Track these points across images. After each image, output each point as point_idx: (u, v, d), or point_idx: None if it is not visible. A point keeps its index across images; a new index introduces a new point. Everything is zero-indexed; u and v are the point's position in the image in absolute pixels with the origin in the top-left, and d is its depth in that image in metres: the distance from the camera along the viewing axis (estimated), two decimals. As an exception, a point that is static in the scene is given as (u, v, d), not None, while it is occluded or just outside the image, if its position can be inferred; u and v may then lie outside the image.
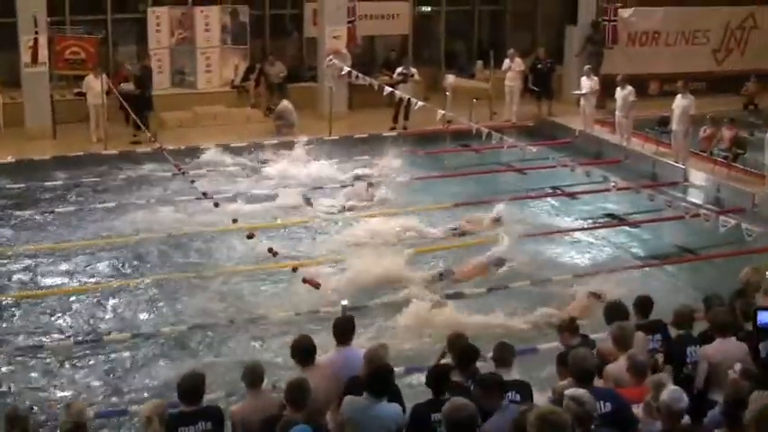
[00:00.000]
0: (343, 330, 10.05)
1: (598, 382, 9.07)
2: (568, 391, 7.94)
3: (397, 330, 14.63)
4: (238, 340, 14.60)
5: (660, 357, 10.38)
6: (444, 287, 16.50)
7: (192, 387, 8.70)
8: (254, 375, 9.08)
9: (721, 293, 11.85)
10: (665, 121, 24.87)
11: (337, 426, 8.96)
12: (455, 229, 19.09)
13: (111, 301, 15.91)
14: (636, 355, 9.36)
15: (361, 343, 11.29)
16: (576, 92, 27.11)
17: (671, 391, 8.15)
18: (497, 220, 19.42)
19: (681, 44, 31.10)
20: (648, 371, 9.32)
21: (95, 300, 15.96)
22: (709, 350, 10.16)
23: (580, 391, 7.86)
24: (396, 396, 8.99)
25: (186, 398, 8.64)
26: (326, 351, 9.99)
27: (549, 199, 21.74)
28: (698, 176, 22.57)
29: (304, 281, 15.28)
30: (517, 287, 16.43)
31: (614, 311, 10.75)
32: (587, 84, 26.23)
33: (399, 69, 27.44)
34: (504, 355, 9.50)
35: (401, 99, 25.51)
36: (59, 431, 8.12)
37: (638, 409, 8.49)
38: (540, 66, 28.97)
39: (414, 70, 27.50)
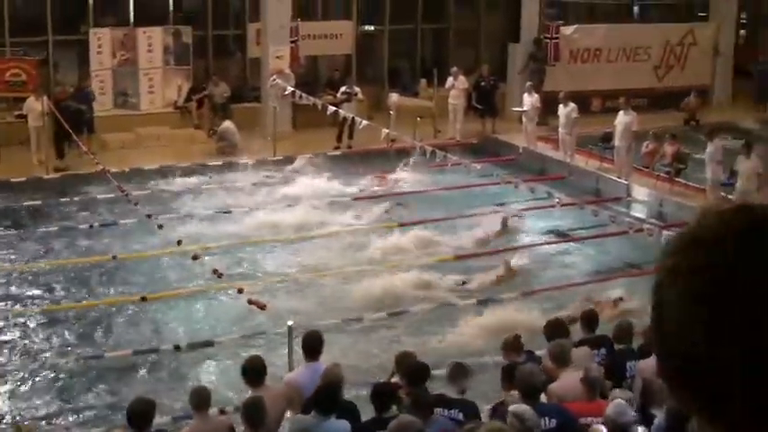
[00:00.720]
0: (310, 346, 10.07)
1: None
2: (512, 408, 7.98)
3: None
4: (184, 363, 14.49)
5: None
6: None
7: (141, 412, 8.63)
8: (200, 399, 9.04)
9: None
10: (607, 138, 25.07)
11: None
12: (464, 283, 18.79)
13: (53, 325, 15.74)
14: (591, 370, 9.40)
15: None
16: (517, 109, 27.28)
17: (615, 405, 8.19)
18: (505, 227, 19.99)
19: (622, 61, 31.37)
20: (600, 386, 9.36)
21: (36, 323, 15.78)
22: (642, 365, 10.24)
23: (522, 407, 7.89)
24: (348, 413, 8.99)
25: (136, 423, 8.57)
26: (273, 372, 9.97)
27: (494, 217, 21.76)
28: (641, 191, 22.78)
29: (250, 302, 15.23)
30: (462, 305, 16.47)
31: (554, 329, 10.81)
32: (529, 101, 26.40)
33: (343, 89, 27.43)
34: (456, 374, 9.51)
35: (345, 118, 25.47)
36: None
37: (597, 426, 8.49)
38: (483, 83, 29.08)
39: (357, 89, 27.52)
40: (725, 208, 1.63)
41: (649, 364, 10.20)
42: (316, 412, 8.64)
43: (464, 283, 17.57)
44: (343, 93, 27.26)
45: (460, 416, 9.03)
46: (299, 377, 9.91)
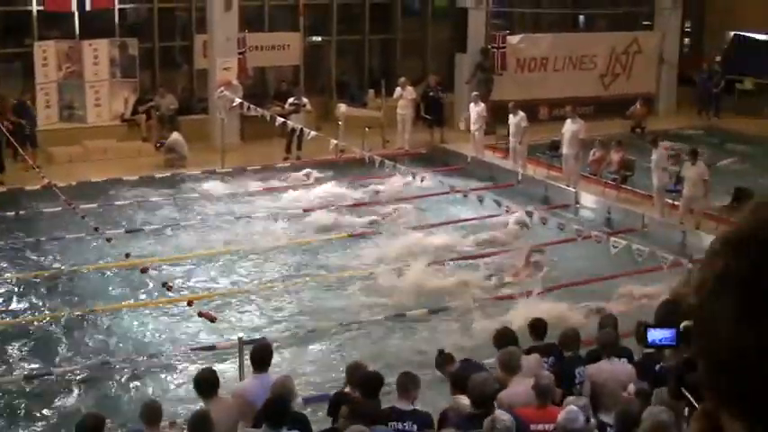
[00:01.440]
0: (260, 358, 10.03)
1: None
2: (498, 413, 8.03)
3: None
4: (134, 376, 14.39)
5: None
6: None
7: (92, 427, 8.54)
8: (151, 413, 8.96)
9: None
10: (555, 146, 25.24)
11: None
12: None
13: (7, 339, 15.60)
14: (542, 377, 9.44)
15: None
16: (462, 122, 27.41)
17: (567, 412, 8.23)
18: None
19: (569, 69, 31.61)
20: (552, 393, 9.40)
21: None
22: (592, 370, 10.31)
23: (506, 415, 7.95)
24: (299, 424, 8.97)
25: None
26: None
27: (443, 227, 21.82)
28: (589, 199, 22.94)
29: (200, 314, 15.14)
30: (417, 314, 16.50)
31: (503, 338, 10.87)
32: (475, 110, 26.50)
33: (291, 100, 27.37)
34: (406, 383, 9.51)
35: (293, 129, 25.43)
36: None
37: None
38: (431, 93, 29.17)
39: (305, 100, 27.47)
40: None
41: (600, 368, 10.28)
42: (266, 425, 8.61)
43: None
44: (291, 104, 27.19)
45: (414, 428, 9.03)
46: (248, 388, 9.87)
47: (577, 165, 23.94)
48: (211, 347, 14.83)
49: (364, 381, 9.63)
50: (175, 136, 26.06)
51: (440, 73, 30.73)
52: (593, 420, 8.98)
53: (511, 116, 25.16)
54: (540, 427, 8.90)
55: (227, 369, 13.30)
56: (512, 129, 25.23)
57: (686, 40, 35.62)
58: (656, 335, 9.70)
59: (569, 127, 23.92)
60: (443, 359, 10.68)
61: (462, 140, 27.92)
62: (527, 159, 25.47)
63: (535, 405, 9.21)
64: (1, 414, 13.33)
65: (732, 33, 34.40)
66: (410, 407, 9.29)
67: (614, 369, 10.17)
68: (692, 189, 20.78)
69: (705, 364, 1.57)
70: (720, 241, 1.58)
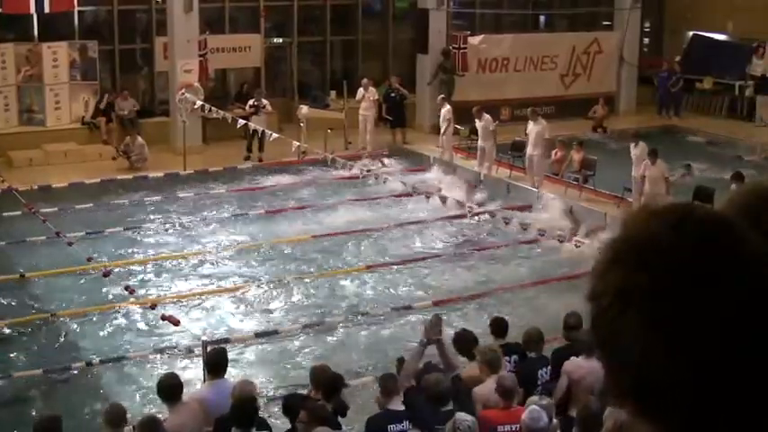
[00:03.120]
0: (216, 363, 10.01)
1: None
2: (459, 416, 8.05)
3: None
4: (97, 380, 14.33)
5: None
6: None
7: (49, 429, 8.49)
8: (115, 416, 8.90)
9: (581, 313, 12.05)
10: (518, 146, 25.29)
11: None
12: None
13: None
14: (505, 378, 9.47)
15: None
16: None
17: (530, 411, 8.26)
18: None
19: (530, 70, 31.71)
20: (516, 394, 9.43)
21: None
22: (570, 366, 10.34)
23: (467, 417, 7.97)
24: (266, 426, 8.98)
25: None
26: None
27: (404, 227, 21.83)
28: (551, 199, 23.00)
29: (163, 318, 15.10)
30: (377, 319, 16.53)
31: (464, 340, 10.91)
32: (442, 112, 26.50)
33: (251, 101, 27.31)
34: (388, 385, 9.52)
35: (255, 131, 25.39)
36: None
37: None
38: (393, 95, 29.19)
39: (265, 102, 27.41)
40: (658, 210, 1.60)
41: (578, 364, 10.32)
42: (235, 428, 8.61)
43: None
44: (251, 106, 27.11)
45: (411, 426, 9.05)
46: (206, 396, 9.81)
47: (543, 165, 24.01)
48: (173, 348, 14.83)
49: (325, 383, 9.66)
50: (137, 138, 25.91)
51: (401, 74, 30.73)
52: (555, 420, 9.02)
53: (477, 121, 25.16)
54: (507, 427, 8.94)
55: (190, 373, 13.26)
56: (480, 132, 25.17)
57: (646, 40, 35.83)
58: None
59: (533, 128, 23.97)
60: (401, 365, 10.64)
61: (424, 141, 27.99)
62: (494, 161, 25.45)
63: (500, 406, 9.24)
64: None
65: (691, 33, 34.63)
66: (401, 406, 9.32)
67: (592, 366, 10.22)
68: (654, 187, 20.89)
69: (613, 375, 1.59)
70: (619, 247, 1.59)
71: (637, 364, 1.53)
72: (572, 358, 10.56)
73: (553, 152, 24.53)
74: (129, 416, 9.41)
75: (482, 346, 10.42)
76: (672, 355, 1.50)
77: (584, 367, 10.26)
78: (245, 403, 8.80)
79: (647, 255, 1.54)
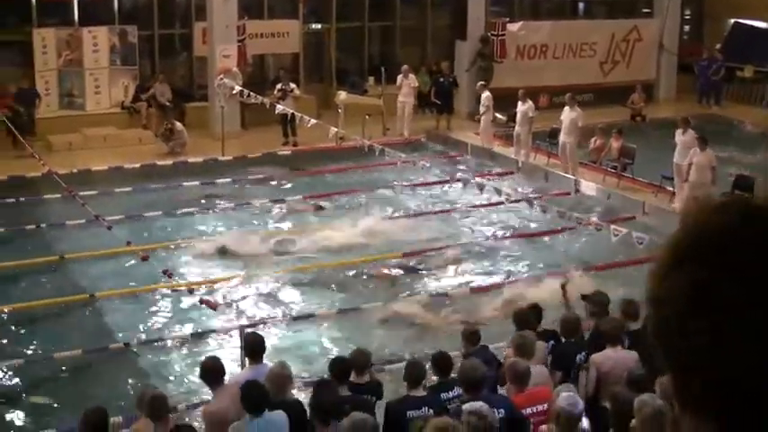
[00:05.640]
0: (254, 347, 10.04)
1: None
2: (466, 406, 8.01)
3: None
4: (135, 361, 14.43)
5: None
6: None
7: (99, 423, 8.53)
8: (158, 405, 8.84)
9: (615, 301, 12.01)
10: (555, 133, 25.20)
11: None
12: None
13: (4, 327, 15.63)
14: (517, 363, 9.46)
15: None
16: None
17: (567, 397, 8.24)
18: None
19: (568, 57, 31.60)
20: (529, 378, 9.42)
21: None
22: (598, 358, 10.32)
23: (477, 404, 7.93)
24: (291, 409, 8.98)
25: None
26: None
27: (442, 214, 21.83)
28: (589, 187, 22.92)
29: (201, 302, 15.17)
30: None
31: (523, 318, 11.04)
32: (483, 98, 26.48)
33: (278, 86, 27.36)
34: (413, 372, 9.54)
35: (285, 115, 25.45)
36: None
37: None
38: (442, 80, 29.28)
39: (293, 85, 27.48)
40: (719, 205, 1.56)
41: (606, 356, 10.29)
42: (247, 413, 8.65)
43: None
44: (278, 90, 27.17)
45: (431, 412, 9.06)
46: (242, 379, 9.83)
47: (576, 152, 23.91)
48: (211, 332, 14.91)
49: (337, 366, 9.79)
50: (176, 124, 26.06)
51: (439, 60, 30.72)
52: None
53: (519, 103, 25.09)
54: (530, 410, 8.96)
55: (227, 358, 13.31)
56: (518, 116, 25.17)
57: (686, 28, 35.58)
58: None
59: (568, 115, 23.85)
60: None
61: (464, 128, 27.97)
62: (530, 148, 25.39)
63: (515, 391, 9.23)
64: (2, 399, 13.37)
65: (732, 20, 34.35)
66: (422, 392, 9.34)
67: (619, 357, 10.19)
68: (700, 175, 20.62)
69: (681, 381, 1.55)
70: (684, 246, 1.56)
71: (715, 368, 1.48)
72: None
73: (592, 140, 24.42)
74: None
75: (516, 333, 10.43)
76: (758, 357, 1.45)
77: (612, 358, 10.24)
78: (248, 387, 8.77)
79: (717, 252, 1.50)
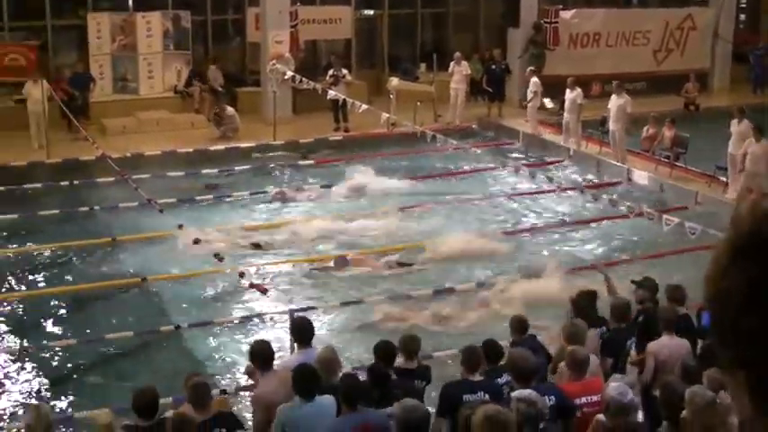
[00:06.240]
0: (303, 332, 10.06)
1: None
2: (515, 393, 8.01)
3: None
4: (185, 344, 14.55)
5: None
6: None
7: (150, 402, 8.60)
8: (200, 396, 8.87)
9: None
10: (606, 122, 25.03)
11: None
12: None
13: (53, 307, 15.82)
14: (577, 351, 9.41)
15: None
16: (548, 102, 27.26)
17: (617, 386, 8.21)
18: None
19: (621, 45, 31.37)
20: (588, 367, 9.39)
21: (36, 306, 15.88)
22: (655, 347, 10.27)
23: (526, 392, 7.92)
24: (334, 390, 8.99)
25: (145, 413, 8.54)
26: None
27: (496, 200, 21.78)
28: (641, 176, 22.76)
29: (251, 286, 15.25)
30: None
31: (583, 302, 11.04)
32: (531, 83, 26.42)
33: (330, 71, 27.44)
34: (471, 358, 9.54)
35: (336, 101, 25.52)
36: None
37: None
38: (494, 67, 29.25)
39: (345, 71, 27.55)
40: None
41: (663, 344, 10.25)
42: (299, 397, 8.67)
43: None
44: (330, 76, 27.25)
45: (486, 397, 9.06)
46: (296, 363, 9.86)
47: (624, 140, 23.76)
48: (260, 316, 14.99)
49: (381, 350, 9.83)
50: (228, 109, 26.23)
51: (491, 47, 30.64)
52: (636, 399, 8.93)
53: (568, 91, 24.98)
54: (585, 399, 8.91)
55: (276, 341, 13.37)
56: (567, 104, 25.08)
57: (742, 16, 35.18)
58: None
59: (615, 102, 23.71)
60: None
61: (515, 116, 27.89)
62: (580, 136, 25.28)
63: (572, 378, 9.18)
64: (56, 380, 13.53)
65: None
66: (479, 377, 9.34)
67: (674, 345, 10.16)
68: (755, 165, 20.40)
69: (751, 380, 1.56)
70: (742, 244, 1.55)
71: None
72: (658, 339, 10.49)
73: (645, 129, 24.24)
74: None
75: (569, 321, 10.42)
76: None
77: (667, 346, 10.19)
78: (301, 371, 8.78)
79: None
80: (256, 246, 18.06)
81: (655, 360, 10.15)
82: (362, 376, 9.33)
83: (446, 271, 17.35)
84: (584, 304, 11.21)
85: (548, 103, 27.57)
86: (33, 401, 11.94)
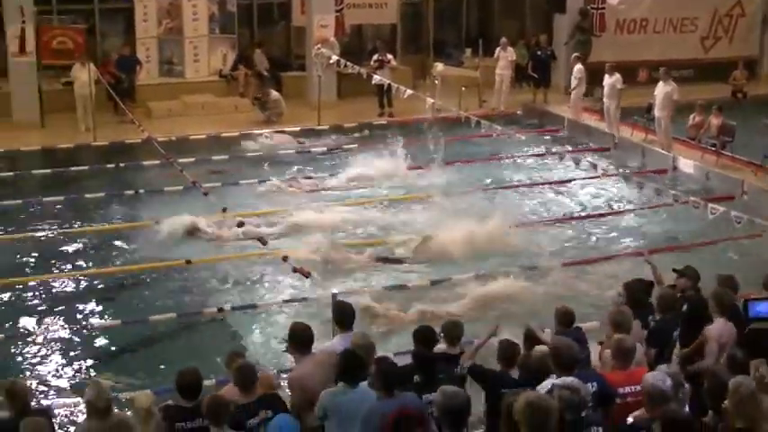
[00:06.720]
0: (344, 316, 10.05)
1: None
2: (558, 381, 7.98)
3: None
4: (227, 328, 14.63)
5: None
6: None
7: (193, 383, 8.64)
8: (248, 380, 8.90)
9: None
10: (652, 109, 24.82)
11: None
12: None
13: (97, 289, 16.00)
14: (624, 340, 9.35)
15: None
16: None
17: (654, 375, 8.15)
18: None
19: (669, 32, 31.09)
20: (634, 356, 9.33)
21: (80, 288, 16.05)
22: (715, 332, 10.20)
23: (569, 379, 7.89)
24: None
25: (188, 394, 8.59)
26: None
27: (539, 187, 21.70)
28: (687, 164, 22.57)
29: (294, 270, 15.28)
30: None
31: (636, 288, 11.00)
32: (575, 70, 26.28)
33: (375, 56, 27.42)
34: (507, 353, 9.53)
35: (381, 86, 25.50)
36: (90, 407, 8.11)
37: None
38: (539, 53, 29.13)
39: (390, 56, 27.53)
40: None
41: (720, 328, 10.20)
42: (343, 383, 8.65)
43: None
44: (375, 60, 27.24)
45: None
46: (336, 347, 9.84)
47: (670, 127, 23.58)
48: (303, 301, 15.02)
49: (421, 335, 9.83)
50: (273, 92, 26.32)
51: (538, 33, 30.50)
52: (687, 386, 8.85)
53: (606, 76, 24.83)
54: (629, 389, 8.85)
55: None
56: (606, 90, 24.92)
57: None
58: (759, 308, 9.64)
59: (662, 89, 23.53)
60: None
61: (559, 102, 27.75)
62: (620, 122, 25.09)
63: (618, 368, 9.13)
64: (99, 360, 13.68)
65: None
66: (516, 372, 9.33)
67: (727, 329, 10.14)
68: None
69: None
70: None
71: None
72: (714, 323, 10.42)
73: (691, 116, 24.02)
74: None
75: (615, 309, 10.35)
76: None
77: (725, 329, 10.16)
78: (348, 356, 8.77)
79: None
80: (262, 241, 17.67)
81: (717, 343, 10.10)
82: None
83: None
84: (638, 293, 11.12)
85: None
86: (93, 378, 12.01)
